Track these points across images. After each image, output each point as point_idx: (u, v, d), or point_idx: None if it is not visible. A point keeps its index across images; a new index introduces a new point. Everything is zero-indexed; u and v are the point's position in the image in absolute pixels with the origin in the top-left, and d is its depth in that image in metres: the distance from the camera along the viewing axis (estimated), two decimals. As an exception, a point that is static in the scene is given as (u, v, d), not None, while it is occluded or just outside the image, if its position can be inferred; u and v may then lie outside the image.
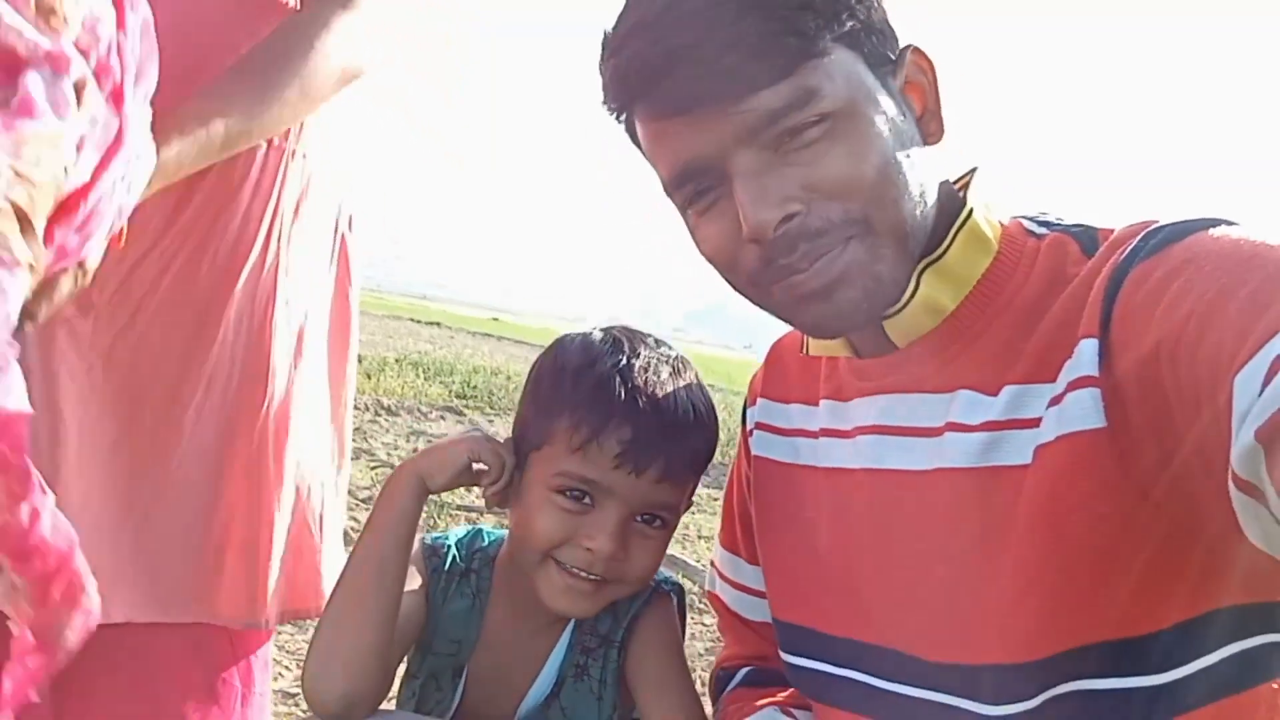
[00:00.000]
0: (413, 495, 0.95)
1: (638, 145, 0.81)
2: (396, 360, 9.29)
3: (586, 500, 0.93)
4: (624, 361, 0.95)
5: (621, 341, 0.98)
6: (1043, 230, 0.79)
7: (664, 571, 1.07)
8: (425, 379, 8.24)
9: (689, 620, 2.41)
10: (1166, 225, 0.69)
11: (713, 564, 1.09)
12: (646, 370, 0.95)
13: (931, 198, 0.77)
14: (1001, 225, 0.81)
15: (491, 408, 7.20)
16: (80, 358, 0.93)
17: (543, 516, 0.93)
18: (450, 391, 7.73)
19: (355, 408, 4.64)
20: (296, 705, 2.18)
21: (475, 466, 0.97)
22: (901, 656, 0.80)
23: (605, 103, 0.80)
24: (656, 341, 1.01)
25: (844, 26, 0.72)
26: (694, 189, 0.76)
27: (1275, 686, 0.69)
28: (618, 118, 0.81)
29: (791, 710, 0.95)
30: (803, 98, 0.70)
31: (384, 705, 0.94)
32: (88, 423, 0.93)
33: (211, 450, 0.99)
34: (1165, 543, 0.66)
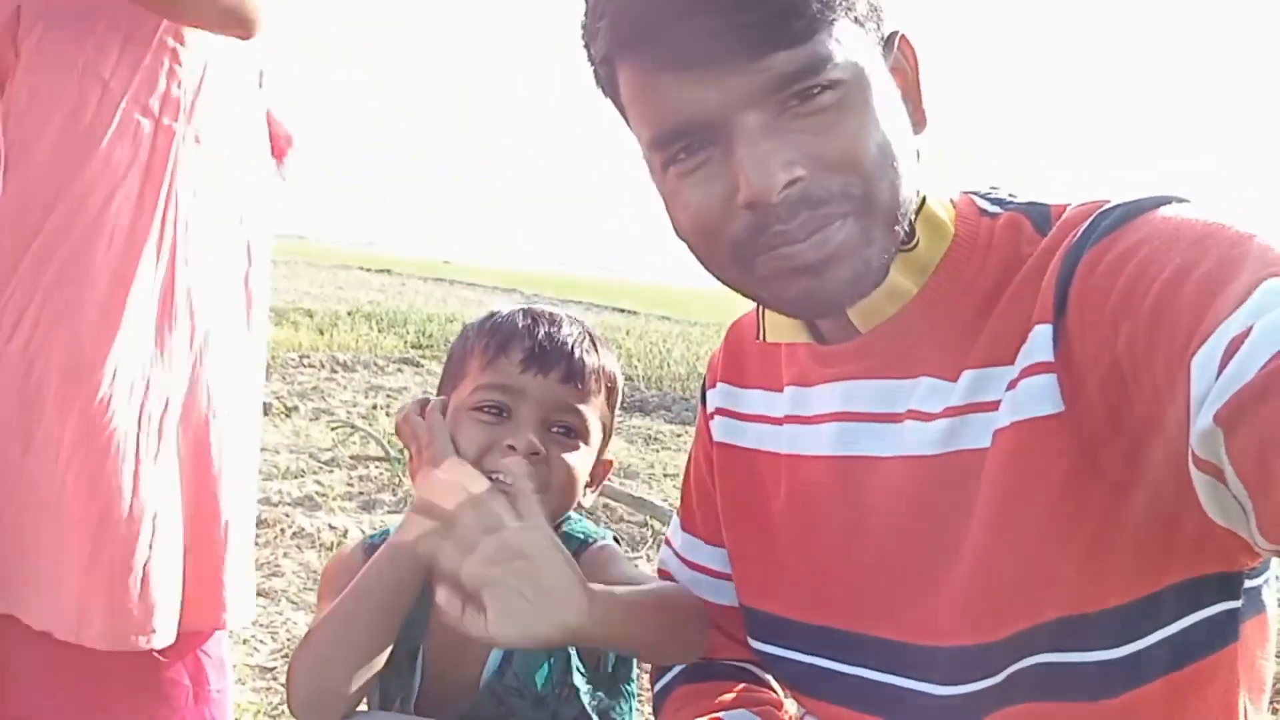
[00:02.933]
0: (401, 562, 0.94)
1: (608, 94, 0.77)
2: (349, 313, 9.17)
3: (504, 415, 1.00)
4: (526, 308, 1.08)
5: (521, 305, 1.09)
6: (995, 209, 0.78)
7: (596, 530, 1.08)
8: (379, 331, 8.14)
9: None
10: (1118, 205, 0.68)
11: (668, 542, 1.07)
12: (546, 311, 1.07)
13: (916, 187, 0.74)
14: (953, 204, 0.79)
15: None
16: None
17: (465, 432, 1.00)
18: (405, 342, 7.64)
19: (311, 366, 4.56)
20: (275, 679, 2.17)
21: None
22: (866, 640, 0.80)
23: (588, 44, 0.74)
24: None
25: (856, 2, 0.70)
26: (682, 147, 0.71)
27: (1232, 650, 0.71)
28: (598, 63, 0.75)
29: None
30: (818, 63, 0.67)
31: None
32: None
33: (99, 449, 0.97)
34: (1125, 521, 0.67)
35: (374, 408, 5.11)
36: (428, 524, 0.77)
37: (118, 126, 0.96)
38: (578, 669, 1.03)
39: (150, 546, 0.98)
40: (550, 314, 1.06)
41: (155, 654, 1.00)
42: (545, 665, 1.02)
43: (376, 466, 3.93)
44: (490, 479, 0.95)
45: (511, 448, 0.97)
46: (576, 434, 1.02)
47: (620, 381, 1.09)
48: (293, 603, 2.58)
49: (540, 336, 1.01)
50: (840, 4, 0.68)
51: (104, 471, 0.96)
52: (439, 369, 5.45)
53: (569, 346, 1.02)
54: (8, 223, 0.93)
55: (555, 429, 1.01)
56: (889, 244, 0.73)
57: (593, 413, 1.03)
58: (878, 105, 0.69)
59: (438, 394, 1.08)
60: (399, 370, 6.40)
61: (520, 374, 1.00)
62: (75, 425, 0.94)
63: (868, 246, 0.71)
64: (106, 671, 0.99)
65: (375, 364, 6.44)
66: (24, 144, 0.92)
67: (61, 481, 0.93)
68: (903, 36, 0.75)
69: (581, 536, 1.06)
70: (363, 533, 3.14)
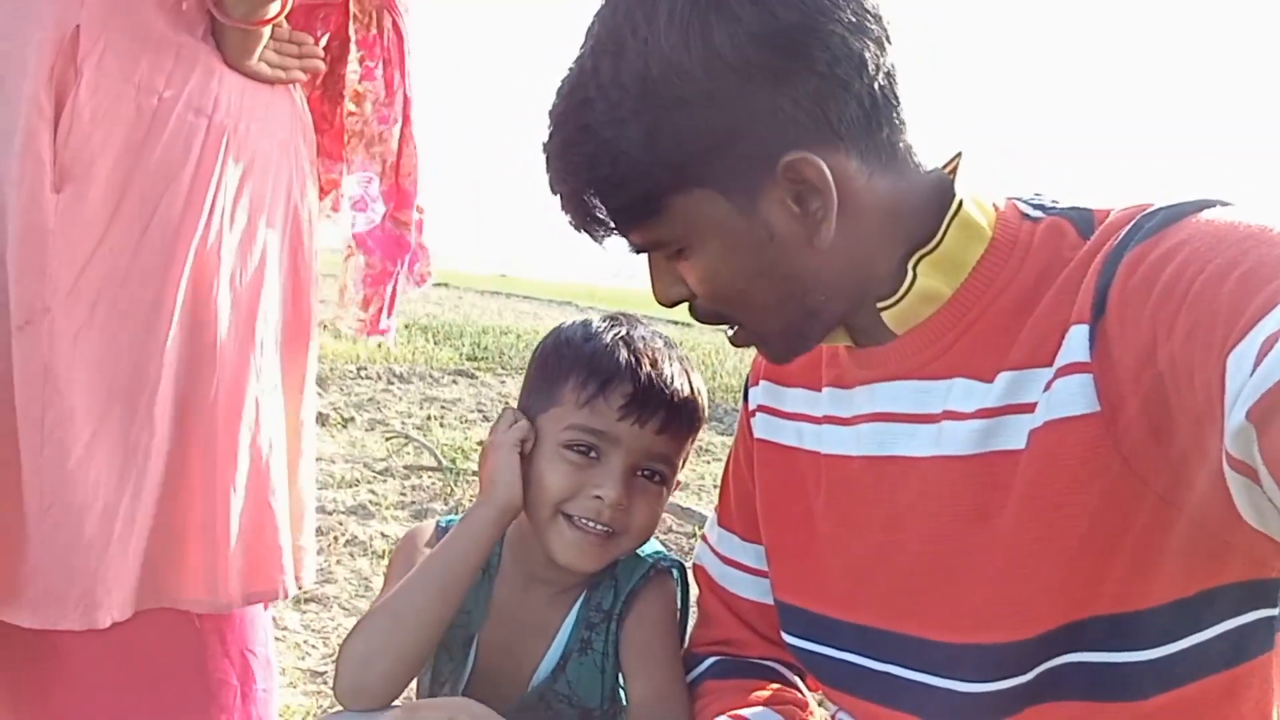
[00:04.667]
0: (491, 521, 0.97)
1: None
2: (406, 326, 9.29)
3: (593, 454, 0.99)
4: (624, 333, 1.04)
5: (619, 319, 1.06)
6: (1038, 213, 0.78)
7: (661, 551, 1.09)
8: (435, 343, 8.24)
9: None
10: (1161, 208, 0.68)
11: (704, 538, 1.09)
12: (645, 340, 1.03)
13: (838, 280, 0.79)
14: (996, 209, 0.79)
15: (503, 368, 7.20)
16: (37, 361, 0.93)
17: (553, 471, 0.99)
18: (461, 354, 7.72)
19: (368, 378, 4.63)
20: (325, 683, 2.21)
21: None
22: (898, 638, 0.81)
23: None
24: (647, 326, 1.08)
25: (693, 174, 0.74)
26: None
27: (1268, 658, 0.70)
28: None
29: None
30: (651, 243, 0.81)
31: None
32: (51, 426, 0.94)
33: (168, 437, 1.00)
34: (1161, 522, 0.66)
35: (428, 419, 5.17)
36: None
37: (171, 129, 0.99)
38: (622, 688, 1.05)
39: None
40: (652, 349, 1.02)
41: (202, 650, 1.03)
42: (599, 677, 1.03)
43: (429, 476, 3.98)
44: (569, 519, 0.98)
45: (598, 497, 0.97)
46: (663, 480, 1.02)
47: (705, 416, 1.06)
48: (344, 609, 2.62)
49: (642, 380, 0.98)
50: (668, 192, 0.75)
51: (142, 463, 0.99)
52: (494, 380, 5.51)
53: (668, 393, 0.99)
54: (68, 235, 0.95)
55: (643, 473, 1.01)
56: (798, 332, 0.82)
57: (680, 457, 1.04)
58: (729, 255, 0.78)
59: (521, 397, 1.07)
60: (453, 382, 6.47)
61: (617, 421, 0.98)
62: (120, 429, 0.97)
63: (768, 345, 0.85)
64: (156, 672, 1.02)
65: (431, 376, 6.52)
66: (86, 162, 0.95)
67: (96, 481, 0.96)
68: (801, 160, 0.72)
69: (650, 560, 1.07)
70: (414, 541, 3.19)
